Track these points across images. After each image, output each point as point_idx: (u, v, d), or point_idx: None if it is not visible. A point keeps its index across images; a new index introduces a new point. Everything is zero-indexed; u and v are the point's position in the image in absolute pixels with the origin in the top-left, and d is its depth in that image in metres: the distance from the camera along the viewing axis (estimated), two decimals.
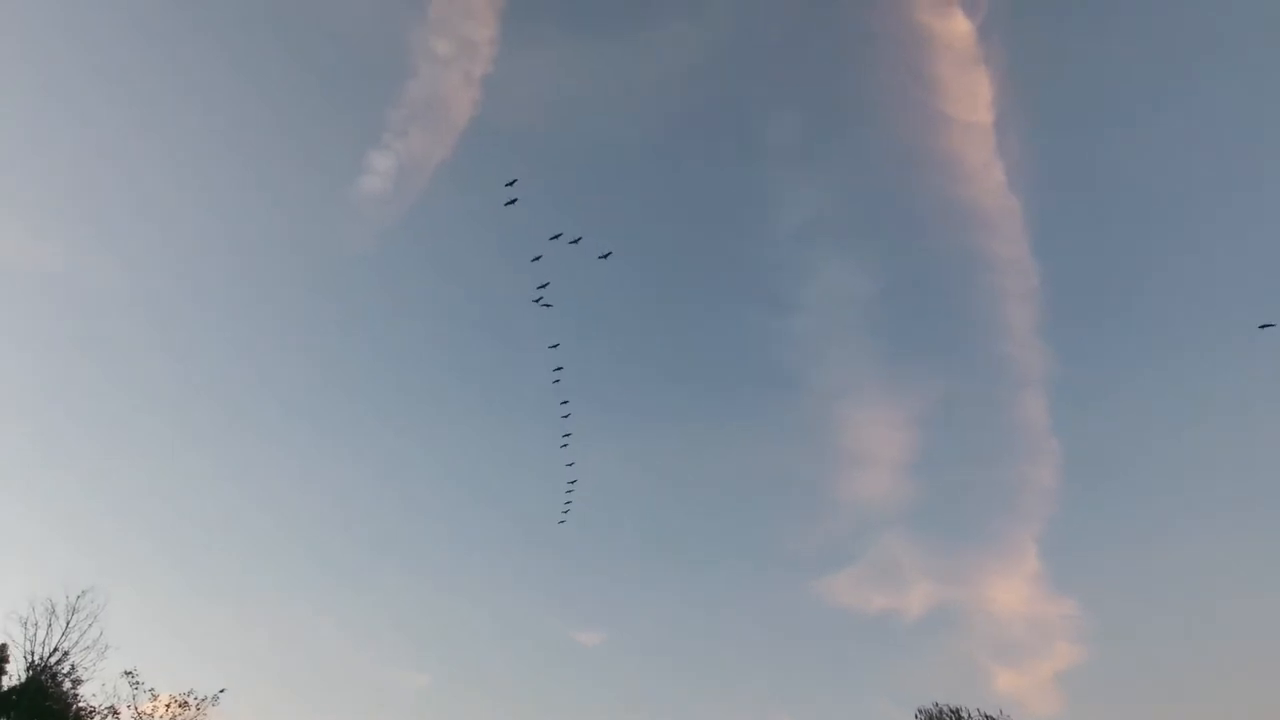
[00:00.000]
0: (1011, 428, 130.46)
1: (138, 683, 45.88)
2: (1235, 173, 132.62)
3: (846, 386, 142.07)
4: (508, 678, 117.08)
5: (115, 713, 45.18)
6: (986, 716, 50.02)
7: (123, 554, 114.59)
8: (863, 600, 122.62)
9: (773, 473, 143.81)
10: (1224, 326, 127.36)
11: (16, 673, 43.59)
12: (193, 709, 47.09)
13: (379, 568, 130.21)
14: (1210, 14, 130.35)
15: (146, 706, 46.11)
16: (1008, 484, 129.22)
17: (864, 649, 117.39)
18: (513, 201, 57.27)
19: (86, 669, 44.94)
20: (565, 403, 67.51)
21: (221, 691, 48.22)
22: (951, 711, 50.89)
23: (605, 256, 64.88)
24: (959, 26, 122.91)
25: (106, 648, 45.38)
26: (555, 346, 66.32)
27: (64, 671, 44.42)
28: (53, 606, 44.99)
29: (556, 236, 60.13)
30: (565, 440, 68.55)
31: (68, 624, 45.10)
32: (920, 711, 51.93)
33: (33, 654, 44.04)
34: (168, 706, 46.62)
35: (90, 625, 45.37)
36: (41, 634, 44.55)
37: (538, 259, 60.22)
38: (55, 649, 44.62)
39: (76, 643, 45.05)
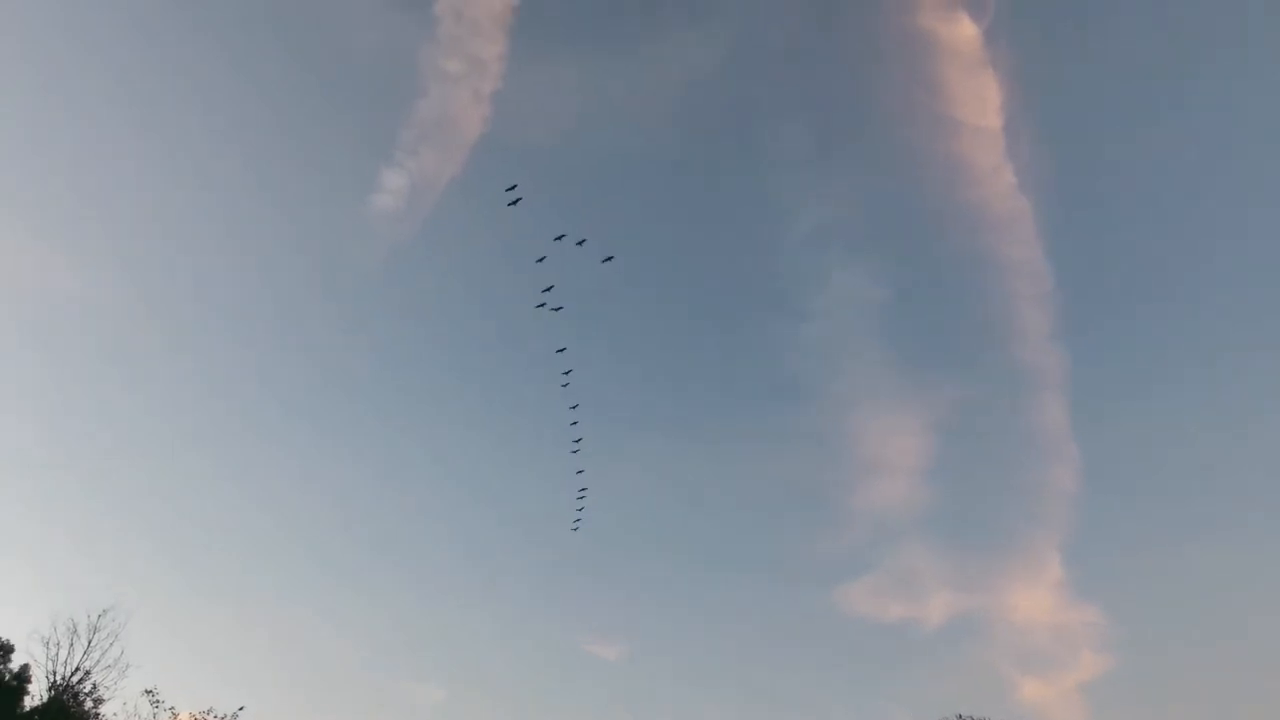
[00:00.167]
0: (1030, 432, 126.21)
1: (158, 701, 46.07)
2: (1246, 171, 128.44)
3: (861, 393, 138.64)
4: (524, 689, 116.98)
5: None
6: None
7: (123, 554, 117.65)
8: (880, 609, 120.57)
9: (787, 481, 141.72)
10: (1245, 326, 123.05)
11: (39, 693, 43.95)
12: None
13: (396, 582, 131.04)
14: (1218, 14, 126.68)
15: None
16: (1027, 490, 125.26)
17: (883, 659, 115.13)
18: (516, 201, 57.22)
19: (108, 688, 45.32)
20: (575, 407, 67.15)
21: (241, 709, 48.06)
22: None
23: (608, 260, 64.53)
24: (965, 31, 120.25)
25: (128, 666, 45.62)
26: (562, 351, 66.12)
27: (85, 691, 44.75)
28: (74, 626, 45.51)
29: (560, 237, 59.82)
30: (576, 446, 67.98)
31: (89, 643, 45.45)
32: None
33: (55, 673, 44.47)
34: None
35: (111, 644, 45.73)
36: (64, 653, 45.00)
37: (542, 259, 59.98)
38: (77, 668, 45.01)
39: (98, 662, 45.47)
